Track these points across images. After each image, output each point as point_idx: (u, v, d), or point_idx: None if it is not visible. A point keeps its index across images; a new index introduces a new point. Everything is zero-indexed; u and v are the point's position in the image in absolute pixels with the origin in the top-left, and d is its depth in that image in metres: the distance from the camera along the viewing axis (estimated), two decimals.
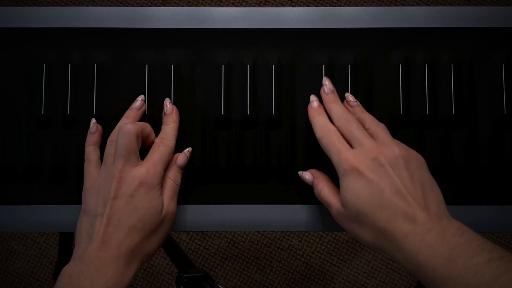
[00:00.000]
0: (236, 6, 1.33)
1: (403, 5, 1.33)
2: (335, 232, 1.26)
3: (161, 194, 0.46)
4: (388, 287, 1.25)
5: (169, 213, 0.46)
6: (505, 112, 0.50)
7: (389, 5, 1.33)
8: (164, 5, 1.33)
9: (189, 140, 0.50)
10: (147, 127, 0.48)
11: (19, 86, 0.50)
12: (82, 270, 0.41)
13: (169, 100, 0.50)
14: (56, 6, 1.31)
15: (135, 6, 1.32)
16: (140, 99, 0.50)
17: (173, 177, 0.48)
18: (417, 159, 0.44)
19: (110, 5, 1.32)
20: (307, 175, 0.48)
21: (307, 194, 0.49)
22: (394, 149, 0.43)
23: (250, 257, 1.26)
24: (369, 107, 0.50)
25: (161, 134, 0.48)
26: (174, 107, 0.50)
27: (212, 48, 0.51)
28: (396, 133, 0.50)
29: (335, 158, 0.44)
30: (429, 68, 0.51)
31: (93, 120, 0.49)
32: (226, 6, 1.33)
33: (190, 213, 0.50)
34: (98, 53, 0.51)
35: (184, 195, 0.50)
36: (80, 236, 0.44)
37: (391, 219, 0.40)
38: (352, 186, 0.42)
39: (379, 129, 0.45)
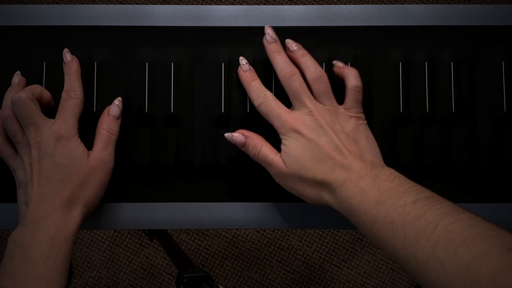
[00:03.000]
0: (236, 4, 1.33)
1: (403, 3, 1.33)
2: (335, 232, 1.26)
3: (80, 143, 0.46)
4: (388, 287, 1.25)
5: (101, 161, 0.47)
6: (505, 110, 0.50)
7: (388, 3, 1.33)
8: (164, 3, 1.33)
9: (189, 137, 0.50)
10: (36, 87, 0.48)
11: None
12: (22, 231, 0.43)
13: (67, 50, 0.50)
14: (56, 4, 1.31)
15: (135, 4, 1.32)
16: (16, 74, 0.50)
17: (107, 126, 0.48)
18: (351, 118, 0.45)
19: (110, 3, 1.32)
20: (239, 137, 0.47)
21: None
22: (332, 111, 0.45)
23: (250, 257, 1.26)
24: (369, 105, 0.50)
25: (65, 87, 0.48)
26: (74, 57, 0.50)
27: (212, 46, 0.51)
28: (396, 131, 0.50)
29: (276, 122, 0.45)
30: (429, 66, 0.51)
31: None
32: (226, 4, 1.33)
33: (189, 211, 0.50)
34: (99, 51, 0.51)
35: (184, 193, 0.50)
36: (20, 208, 0.46)
37: (329, 171, 0.43)
38: (295, 144, 0.44)
39: (323, 86, 0.46)
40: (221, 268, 1.26)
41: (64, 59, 0.49)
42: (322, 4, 1.33)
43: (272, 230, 1.25)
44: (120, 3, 1.33)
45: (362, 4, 1.33)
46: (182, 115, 0.50)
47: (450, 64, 0.51)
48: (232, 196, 0.50)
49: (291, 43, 0.48)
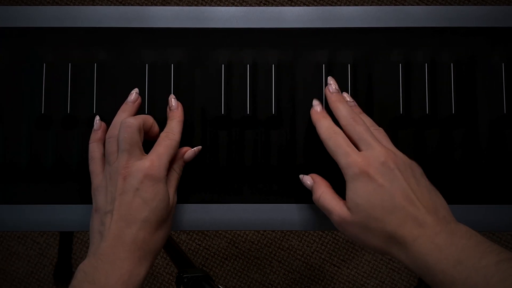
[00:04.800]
0: (236, 5, 1.33)
1: (403, 4, 1.33)
2: (335, 232, 1.26)
3: (167, 186, 0.45)
4: (388, 287, 1.25)
5: (174, 206, 0.47)
6: (505, 112, 0.50)
7: (389, 5, 1.33)
8: (164, 5, 1.33)
9: (189, 139, 0.50)
10: (149, 119, 0.48)
11: (19, 85, 0.50)
12: (96, 265, 0.41)
13: (174, 97, 0.50)
14: (56, 5, 1.31)
15: (135, 5, 1.32)
16: (134, 92, 0.49)
17: (178, 169, 0.48)
18: (418, 167, 0.44)
19: (110, 5, 1.32)
20: (308, 180, 0.48)
21: (304, 194, 0.49)
22: (400, 154, 0.43)
23: (250, 257, 1.26)
24: (369, 106, 0.50)
25: (166, 129, 0.48)
26: (179, 103, 0.50)
27: (212, 47, 0.51)
28: (396, 132, 0.50)
29: (342, 160, 0.43)
30: (429, 67, 0.51)
31: (97, 118, 0.49)
32: (226, 6, 1.33)
33: (188, 212, 0.50)
34: (98, 53, 0.51)
35: (184, 195, 0.50)
36: (93, 235, 0.45)
37: (401, 223, 0.40)
38: (362, 189, 0.41)
39: (382, 134, 0.46)
40: (221, 268, 1.26)
41: (170, 103, 0.49)
42: (322, 5, 1.33)
43: (272, 230, 1.25)
44: (120, 4, 1.33)
45: (362, 5, 1.33)
46: None
47: (450, 66, 0.51)
48: (232, 197, 0.50)
49: (349, 99, 0.49)
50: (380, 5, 1.34)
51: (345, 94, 0.49)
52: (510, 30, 0.51)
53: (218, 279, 1.25)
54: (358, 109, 0.48)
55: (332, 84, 0.49)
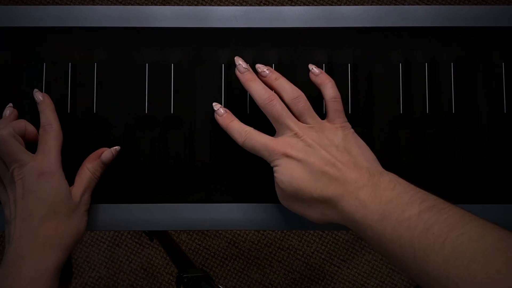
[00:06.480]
0: (236, 5, 1.33)
1: (403, 4, 1.33)
2: (335, 232, 1.26)
3: (64, 179, 0.46)
4: (388, 287, 1.25)
5: (83, 204, 0.47)
6: (505, 111, 0.50)
7: (389, 4, 1.33)
8: (164, 4, 1.33)
9: (189, 138, 0.50)
10: (19, 122, 0.47)
11: (19, 84, 0.50)
12: (3, 272, 0.43)
13: (37, 90, 0.50)
14: (57, 5, 1.31)
15: (135, 5, 1.32)
16: (8, 106, 0.49)
17: (93, 169, 0.48)
18: (338, 129, 0.45)
19: (110, 4, 1.32)
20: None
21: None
22: (318, 126, 0.45)
23: (250, 257, 1.26)
24: (369, 106, 0.50)
25: (41, 123, 0.48)
26: (45, 94, 0.49)
27: (212, 47, 0.51)
28: (396, 132, 0.50)
29: (264, 153, 0.45)
30: (429, 67, 0.51)
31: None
32: (226, 5, 1.33)
33: (191, 212, 0.50)
34: (99, 52, 0.51)
35: (188, 196, 0.50)
36: (6, 246, 0.46)
37: (325, 187, 0.42)
38: (285, 167, 0.43)
39: (301, 105, 0.45)
40: (221, 268, 1.26)
41: (36, 98, 0.49)
42: (322, 5, 1.33)
43: (272, 230, 1.25)
44: (120, 4, 1.33)
45: (362, 5, 1.33)
46: (182, 116, 0.50)
47: (450, 65, 0.51)
48: (232, 197, 0.50)
49: (262, 68, 0.48)
50: (380, 4, 1.34)
51: (257, 65, 0.48)
52: (510, 30, 0.51)
53: (218, 279, 1.25)
54: (275, 75, 0.47)
55: (241, 64, 0.48)
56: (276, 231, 1.27)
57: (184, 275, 0.68)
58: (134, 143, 0.50)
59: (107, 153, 0.49)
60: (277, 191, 0.46)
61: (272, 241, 1.26)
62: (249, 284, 1.25)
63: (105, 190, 0.50)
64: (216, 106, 0.49)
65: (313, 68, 0.48)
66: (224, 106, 0.50)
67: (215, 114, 0.49)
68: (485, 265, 0.32)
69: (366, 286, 1.25)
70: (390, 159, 0.50)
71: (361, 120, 0.50)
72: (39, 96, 0.49)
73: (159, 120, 0.50)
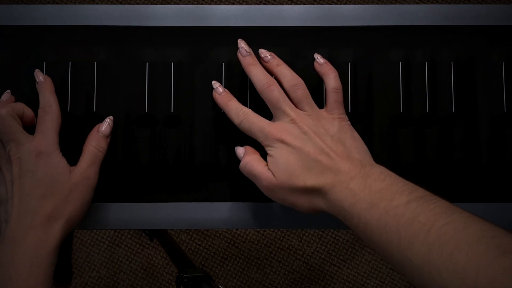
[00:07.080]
0: (236, 4, 1.33)
1: (403, 3, 1.33)
2: (335, 232, 1.26)
3: (62, 158, 0.46)
4: (388, 287, 1.25)
5: (85, 178, 0.47)
6: (505, 110, 0.50)
7: (389, 3, 1.33)
8: (165, 3, 1.33)
9: (190, 137, 0.50)
10: (19, 105, 0.48)
11: (20, 83, 0.50)
12: (2, 250, 0.43)
13: (39, 70, 0.50)
14: (56, 4, 1.31)
15: (135, 4, 1.33)
16: (6, 92, 0.49)
17: (96, 143, 0.48)
18: (335, 120, 0.45)
19: (110, 3, 1.32)
20: (240, 151, 0.48)
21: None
22: (315, 115, 0.45)
23: (250, 257, 1.26)
24: (369, 104, 0.50)
25: (41, 104, 0.48)
26: (46, 76, 0.49)
27: (213, 46, 0.51)
28: (396, 131, 0.50)
29: (260, 136, 0.45)
30: (429, 66, 0.51)
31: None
32: (226, 4, 1.33)
33: (190, 211, 0.50)
34: (99, 51, 0.51)
35: (188, 195, 0.50)
36: (0, 226, 0.46)
37: (318, 176, 0.42)
38: (280, 153, 0.44)
39: (300, 92, 0.46)
40: (221, 268, 1.26)
41: (37, 79, 0.49)
42: (322, 4, 1.33)
43: (272, 230, 1.25)
44: (120, 3, 1.33)
45: (362, 4, 1.33)
46: (182, 115, 0.51)
47: (450, 64, 0.51)
48: (232, 196, 0.50)
49: (265, 53, 0.48)
50: (380, 3, 1.34)
51: (260, 50, 0.48)
52: (510, 29, 0.51)
53: (218, 279, 1.25)
54: (277, 61, 0.48)
55: (243, 47, 0.48)
56: (276, 231, 1.27)
57: (184, 275, 0.68)
58: (134, 142, 0.50)
59: (103, 125, 0.49)
60: (265, 180, 0.45)
61: (272, 241, 1.26)
62: (249, 284, 1.25)
63: (105, 189, 0.50)
64: (215, 84, 0.49)
65: (318, 57, 0.48)
66: None
67: (213, 92, 0.49)
68: (468, 252, 0.32)
69: (366, 286, 1.25)
70: (390, 158, 0.50)
71: (361, 119, 0.50)
72: (40, 76, 0.49)
73: (159, 119, 0.50)
